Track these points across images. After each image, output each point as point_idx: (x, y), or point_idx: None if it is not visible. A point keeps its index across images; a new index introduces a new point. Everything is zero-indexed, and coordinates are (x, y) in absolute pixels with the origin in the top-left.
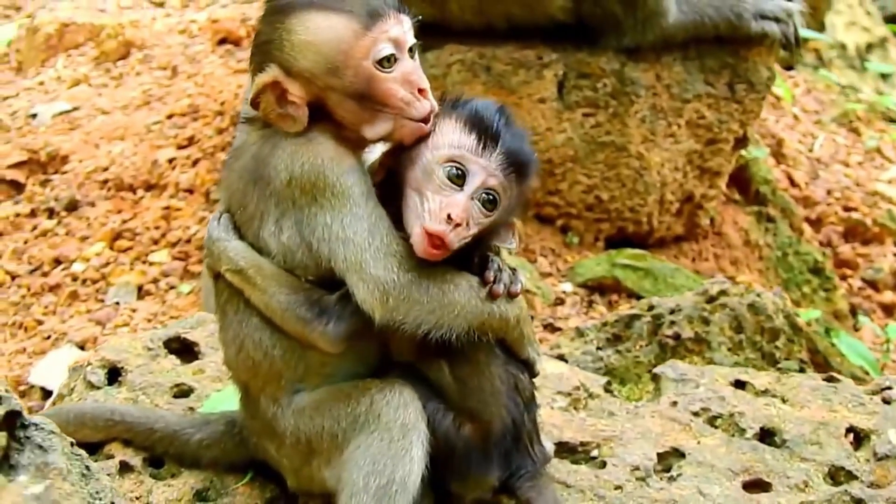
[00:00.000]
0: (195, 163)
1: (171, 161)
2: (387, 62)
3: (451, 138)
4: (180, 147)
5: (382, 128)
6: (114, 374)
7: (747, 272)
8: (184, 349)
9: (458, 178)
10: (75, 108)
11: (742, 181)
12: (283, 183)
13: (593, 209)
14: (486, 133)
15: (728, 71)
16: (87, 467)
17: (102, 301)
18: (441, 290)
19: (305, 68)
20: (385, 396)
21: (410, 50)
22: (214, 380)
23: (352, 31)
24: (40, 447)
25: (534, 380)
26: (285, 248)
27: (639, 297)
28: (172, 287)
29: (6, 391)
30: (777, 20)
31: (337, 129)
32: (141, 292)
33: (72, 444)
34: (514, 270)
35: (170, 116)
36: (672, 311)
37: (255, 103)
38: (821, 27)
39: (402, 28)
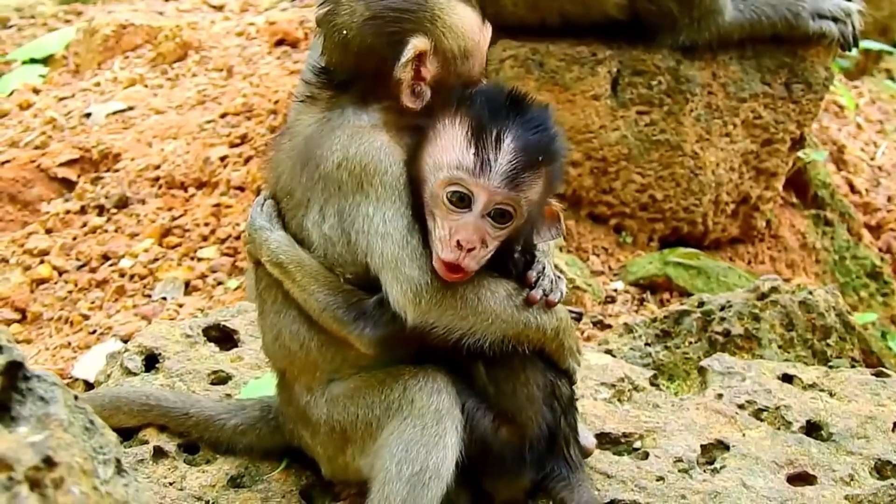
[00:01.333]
0: (247, 160)
1: (223, 159)
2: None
3: (450, 157)
4: (233, 145)
5: None
6: (151, 361)
7: (804, 275)
8: (223, 337)
9: (462, 202)
10: (130, 108)
11: (799, 184)
12: (334, 165)
13: (647, 209)
14: (484, 148)
15: (785, 70)
16: (92, 421)
17: (149, 297)
18: (476, 296)
19: (449, 49)
20: (418, 382)
21: None
22: (253, 367)
23: (479, 25)
24: (42, 399)
25: (573, 385)
26: (326, 240)
27: (690, 296)
28: (220, 283)
29: (7, 341)
30: (835, 20)
31: (400, 117)
32: (188, 288)
33: (75, 398)
34: (558, 278)
35: (223, 115)
36: (722, 308)
37: (403, 68)
38: (893, 43)
39: None
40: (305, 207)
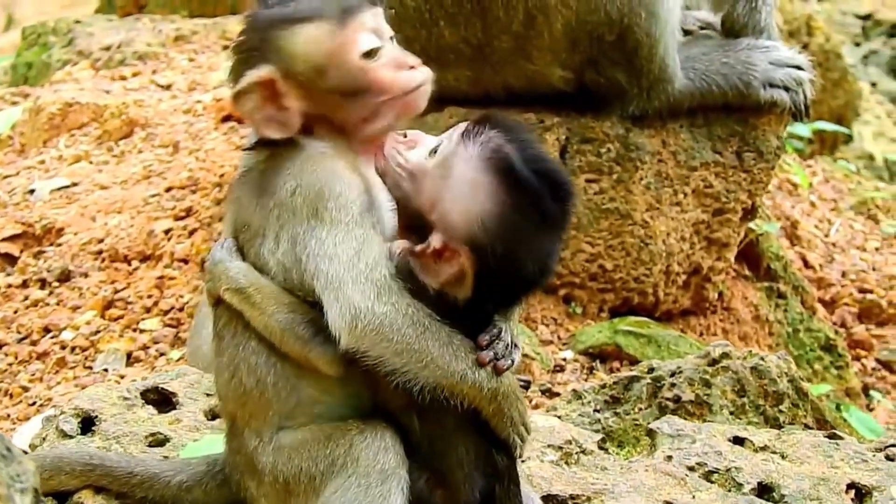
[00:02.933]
0: (192, 233)
1: (167, 232)
2: (372, 53)
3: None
4: (177, 218)
5: (385, 119)
6: (87, 423)
7: (757, 348)
8: (161, 400)
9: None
10: (74, 184)
11: (752, 256)
12: (288, 192)
13: (597, 278)
14: None
15: (736, 139)
16: (9, 449)
17: (90, 368)
18: (416, 333)
19: (301, 73)
20: (365, 439)
21: (391, 38)
22: (191, 429)
23: (330, 33)
24: None
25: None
26: (281, 267)
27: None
28: (162, 354)
29: None
30: (787, 88)
31: (345, 140)
32: (130, 359)
33: None
34: (514, 346)
35: (168, 189)
36: (673, 374)
37: (236, 100)
38: (847, 138)
39: (377, 18)
40: (262, 236)
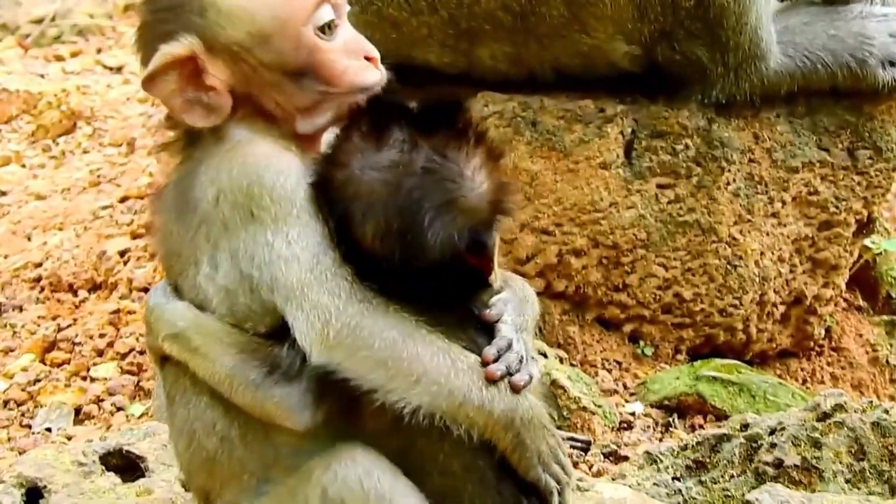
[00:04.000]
0: (153, 255)
1: (122, 254)
2: (328, 29)
3: None
4: (135, 236)
5: (323, 116)
6: (33, 496)
7: (875, 398)
8: (127, 465)
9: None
10: (2, 193)
11: (867, 281)
12: (211, 202)
13: (672, 311)
14: None
15: (848, 132)
16: None
17: (29, 427)
18: (403, 339)
19: (235, 41)
20: (336, 474)
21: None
22: (165, 502)
23: None
24: None
25: None
26: (225, 293)
27: (730, 418)
28: (120, 408)
29: None
30: None
31: (269, 124)
32: (79, 415)
33: None
34: (531, 358)
35: (123, 200)
36: (772, 432)
37: (149, 83)
38: None
39: None
40: (194, 264)
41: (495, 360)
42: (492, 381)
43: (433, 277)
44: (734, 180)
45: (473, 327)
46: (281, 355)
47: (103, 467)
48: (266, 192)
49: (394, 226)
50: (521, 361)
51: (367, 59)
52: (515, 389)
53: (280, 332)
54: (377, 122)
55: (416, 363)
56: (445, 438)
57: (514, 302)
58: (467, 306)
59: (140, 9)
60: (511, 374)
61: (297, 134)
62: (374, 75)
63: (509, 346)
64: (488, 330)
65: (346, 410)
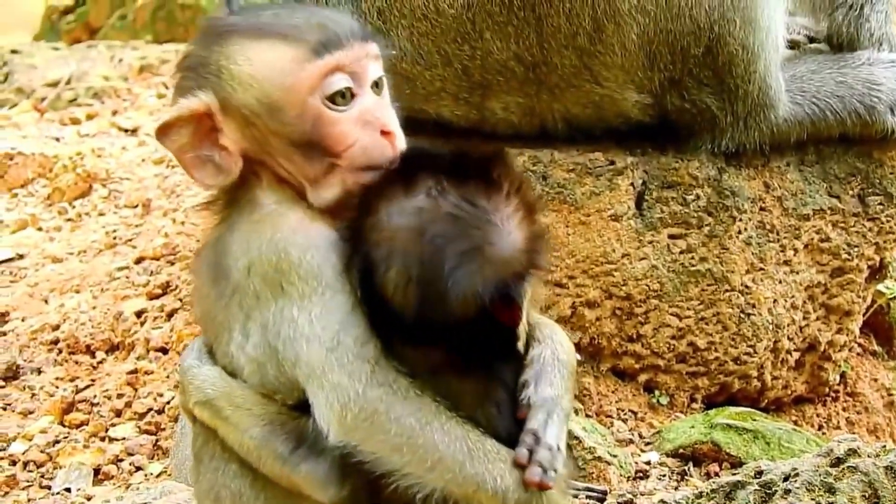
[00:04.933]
0: (171, 315)
1: (139, 314)
2: (340, 98)
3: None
4: (152, 297)
5: (332, 189)
6: None
7: (891, 443)
8: None
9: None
10: (19, 257)
11: (881, 326)
12: (243, 272)
13: (686, 360)
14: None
15: (858, 179)
16: None
17: (48, 488)
18: (420, 425)
19: (245, 105)
20: None
21: (376, 85)
22: None
23: (297, 62)
24: None
25: None
26: (255, 364)
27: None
28: (139, 468)
29: None
30: None
31: (297, 191)
32: (98, 475)
33: None
34: (559, 449)
35: (139, 261)
36: (787, 478)
37: (163, 134)
38: None
39: (364, 57)
40: (228, 330)
41: (530, 459)
42: (530, 486)
43: (459, 333)
44: (746, 229)
45: (500, 391)
46: (308, 429)
47: None
48: (294, 267)
49: (414, 274)
50: (551, 453)
51: (385, 132)
52: (544, 490)
53: (308, 404)
54: (409, 168)
55: (433, 450)
56: None
57: (547, 368)
58: (495, 364)
59: (175, 69)
60: (545, 473)
61: (313, 202)
62: (387, 152)
63: (537, 440)
64: (514, 392)
65: (370, 486)
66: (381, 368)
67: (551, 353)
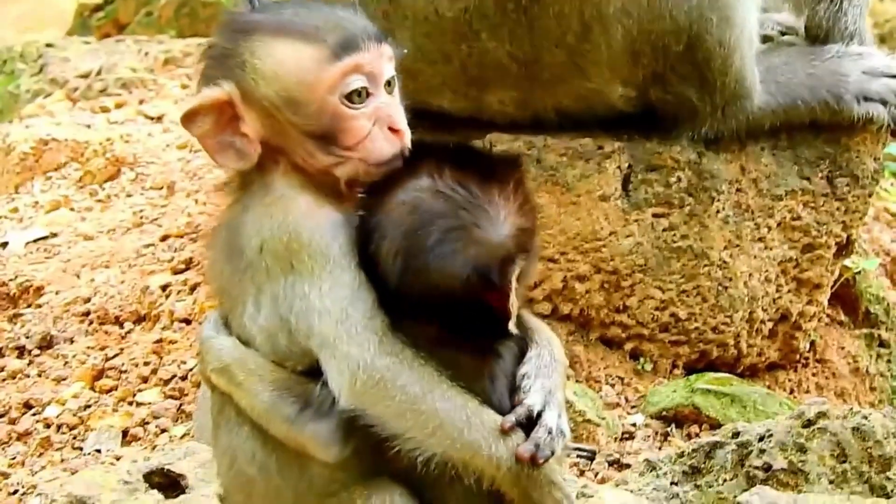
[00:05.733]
0: (193, 289)
1: (164, 288)
2: (357, 97)
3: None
4: (176, 272)
5: (346, 173)
6: None
7: (857, 406)
8: (168, 483)
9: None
10: (53, 235)
11: (847, 298)
12: (255, 251)
13: (669, 329)
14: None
15: (826, 162)
16: None
17: (80, 449)
18: (423, 392)
19: (266, 97)
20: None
21: (388, 84)
22: None
23: (318, 62)
24: None
25: None
26: (267, 334)
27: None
28: (164, 430)
29: None
30: (884, 102)
31: (309, 178)
32: (126, 437)
33: None
34: (561, 433)
35: (164, 238)
36: (761, 438)
37: (187, 121)
38: None
39: (379, 58)
40: (242, 304)
41: (511, 428)
42: (521, 460)
43: (449, 309)
44: (723, 209)
45: (495, 367)
46: (314, 393)
47: (147, 485)
48: (304, 247)
49: (402, 245)
50: (549, 435)
51: (394, 130)
52: (536, 465)
53: (316, 370)
54: (417, 156)
55: (434, 417)
56: (459, 483)
57: (544, 364)
58: (489, 342)
59: (199, 59)
60: (537, 449)
61: (336, 187)
62: (394, 148)
63: (530, 417)
64: (511, 377)
65: (372, 448)
66: (388, 340)
67: (548, 353)
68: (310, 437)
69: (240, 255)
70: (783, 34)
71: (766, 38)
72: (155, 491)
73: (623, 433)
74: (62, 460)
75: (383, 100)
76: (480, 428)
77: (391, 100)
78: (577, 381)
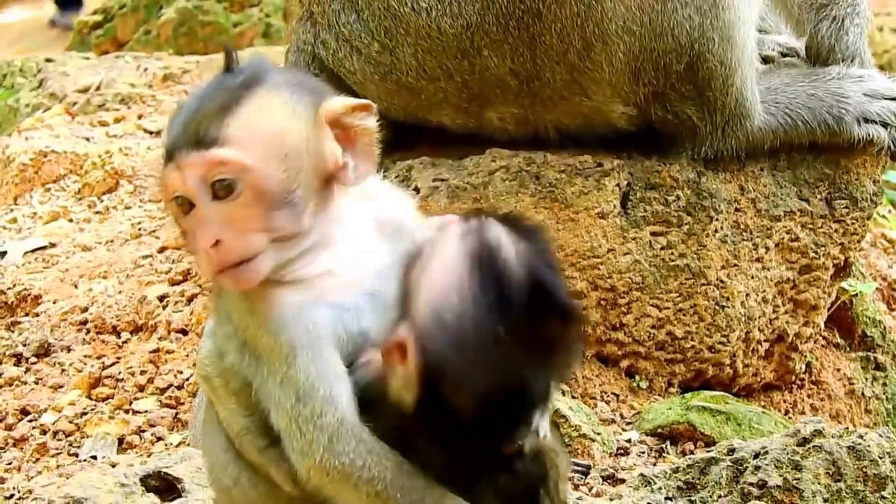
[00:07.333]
0: (190, 299)
1: (161, 299)
2: (178, 206)
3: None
4: (173, 283)
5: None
6: None
7: (852, 428)
8: (165, 487)
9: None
10: (51, 245)
11: (844, 321)
12: (226, 304)
13: (665, 348)
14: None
15: (826, 184)
16: None
17: (76, 455)
18: (384, 481)
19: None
20: None
21: (228, 188)
22: None
23: (159, 164)
24: None
25: None
26: (232, 364)
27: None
28: (160, 438)
29: None
30: (885, 125)
31: None
32: (122, 444)
33: None
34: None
35: (162, 250)
36: (757, 455)
37: None
38: None
39: (189, 168)
40: (220, 321)
41: None
42: None
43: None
44: (721, 228)
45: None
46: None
47: (143, 488)
48: (258, 336)
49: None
50: None
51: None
52: None
53: None
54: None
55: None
56: None
57: None
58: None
59: None
60: None
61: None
62: (207, 265)
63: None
64: None
65: None
66: (340, 440)
67: None
68: (275, 469)
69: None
70: (784, 55)
71: (766, 59)
72: (151, 494)
73: (618, 449)
74: (58, 466)
75: (201, 213)
76: None
77: (212, 212)
78: (572, 396)
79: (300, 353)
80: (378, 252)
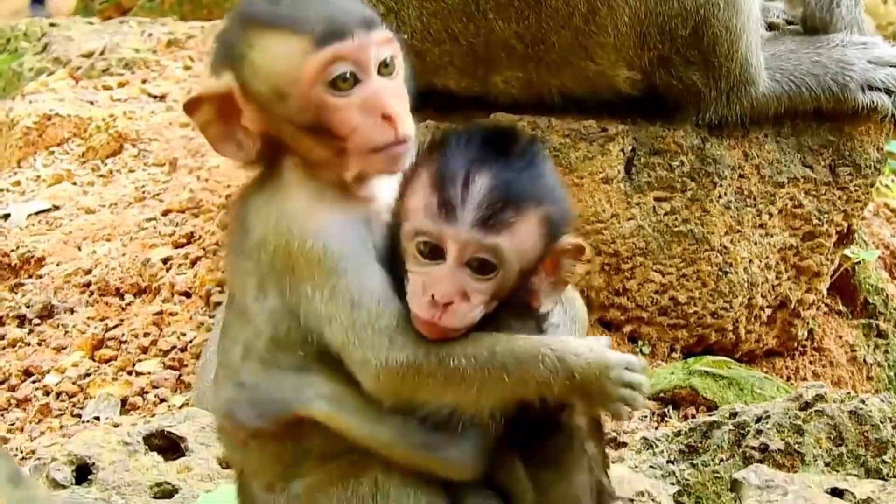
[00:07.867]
0: (194, 262)
1: (165, 261)
2: (342, 83)
3: (416, 202)
4: (177, 246)
5: (353, 168)
6: (83, 472)
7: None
8: (168, 445)
9: (433, 253)
10: (55, 208)
11: (847, 288)
12: (258, 241)
13: (668, 313)
14: (451, 189)
15: (829, 150)
16: (18, 472)
17: (79, 416)
18: (451, 365)
19: (259, 93)
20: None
21: (386, 66)
22: (203, 479)
23: (301, 53)
24: None
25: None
26: (272, 319)
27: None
28: (163, 399)
29: None
30: (889, 92)
31: (314, 171)
32: (125, 406)
33: None
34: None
35: (166, 213)
36: (759, 419)
37: (189, 110)
38: None
39: (367, 44)
40: (246, 284)
41: None
42: None
43: None
44: (725, 194)
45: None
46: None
47: (147, 447)
48: (302, 253)
49: None
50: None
51: (386, 116)
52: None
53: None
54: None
55: (473, 378)
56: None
57: (564, 323)
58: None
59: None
60: None
61: (344, 184)
62: (388, 134)
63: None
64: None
65: None
66: (398, 331)
67: (570, 311)
68: (453, 460)
69: (248, 235)
70: (789, 23)
71: (771, 26)
72: (155, 453)
73: None
74: (61, 427)
75: (374, 86)
76: (527, 352)
77: (386, 84)
78: None
79: (350, 260)
80: None
